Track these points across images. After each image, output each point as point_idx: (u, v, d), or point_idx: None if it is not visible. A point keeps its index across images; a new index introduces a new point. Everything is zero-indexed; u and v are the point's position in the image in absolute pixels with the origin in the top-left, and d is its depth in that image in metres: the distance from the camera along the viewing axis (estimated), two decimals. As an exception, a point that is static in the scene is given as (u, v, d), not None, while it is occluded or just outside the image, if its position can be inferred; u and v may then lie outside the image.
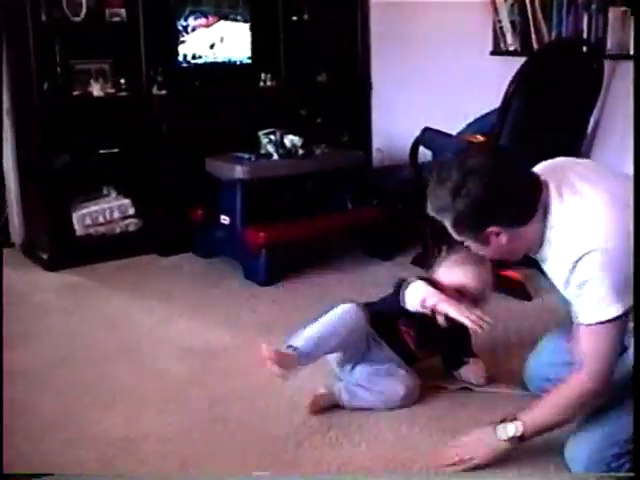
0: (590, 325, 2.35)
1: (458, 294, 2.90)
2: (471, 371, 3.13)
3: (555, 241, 2.39)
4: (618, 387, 2.51)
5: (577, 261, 2.29)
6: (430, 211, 2.42)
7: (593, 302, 2.32)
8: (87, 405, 3.08)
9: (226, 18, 5.13)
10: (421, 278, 2.97)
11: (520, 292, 4.07)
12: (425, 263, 4.48)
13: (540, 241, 2.42)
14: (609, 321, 2.31)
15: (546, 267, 2.49)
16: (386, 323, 3.01)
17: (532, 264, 2.72)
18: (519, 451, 2.57)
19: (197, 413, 3.00)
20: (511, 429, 2.52)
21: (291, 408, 2.99)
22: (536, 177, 2.41)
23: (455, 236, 2.46)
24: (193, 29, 5.02)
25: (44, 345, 3.63)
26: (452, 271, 2.95)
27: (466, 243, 2.50)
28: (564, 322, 2.81)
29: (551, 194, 2.38)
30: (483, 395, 3.07)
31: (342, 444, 2.75)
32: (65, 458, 2.67)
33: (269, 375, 3.27)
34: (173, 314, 4.01)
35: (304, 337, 2.88)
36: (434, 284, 2.93)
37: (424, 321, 2.94)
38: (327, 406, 2.96)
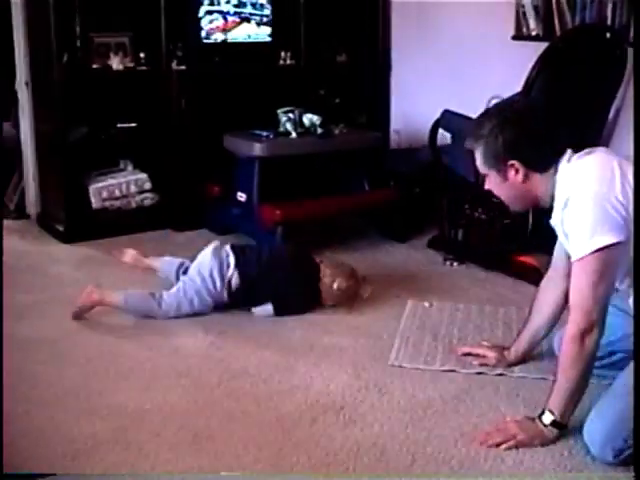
0: (580, 260, 2.52)
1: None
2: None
3: (557, 193, 2.64)
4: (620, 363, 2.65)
5: (568, 199, 2.54)
6: (467, 143, 2.75)
7: (580, 236, 2.52)
8: (102, 376, 3.09)
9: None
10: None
11: (534, 276, 4.05)
12: (441, 246, 4.48)
13: (549, 198, 2.67)
14: (596, 251, 2.47)
15: (552, 220, 2.69)
16: None
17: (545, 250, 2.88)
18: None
19: (210, 388, 3.01)
20: (547, 418, 2.60)
21: (305, 386, 3.01)
22: (563, 143, 2.69)
23: (481, 168, 2.73)
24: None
25: (58, 316, 3.63)
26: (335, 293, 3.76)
27: (488, 178, 2.74)
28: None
29: (565, 157, 2.65)
30: (495, 378, 3.08)
31: (355, 422, 2.75)
32: (79, 428, 2.68)
33: (283, 351, 3.30)
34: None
35: None
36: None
37: None
38: None
